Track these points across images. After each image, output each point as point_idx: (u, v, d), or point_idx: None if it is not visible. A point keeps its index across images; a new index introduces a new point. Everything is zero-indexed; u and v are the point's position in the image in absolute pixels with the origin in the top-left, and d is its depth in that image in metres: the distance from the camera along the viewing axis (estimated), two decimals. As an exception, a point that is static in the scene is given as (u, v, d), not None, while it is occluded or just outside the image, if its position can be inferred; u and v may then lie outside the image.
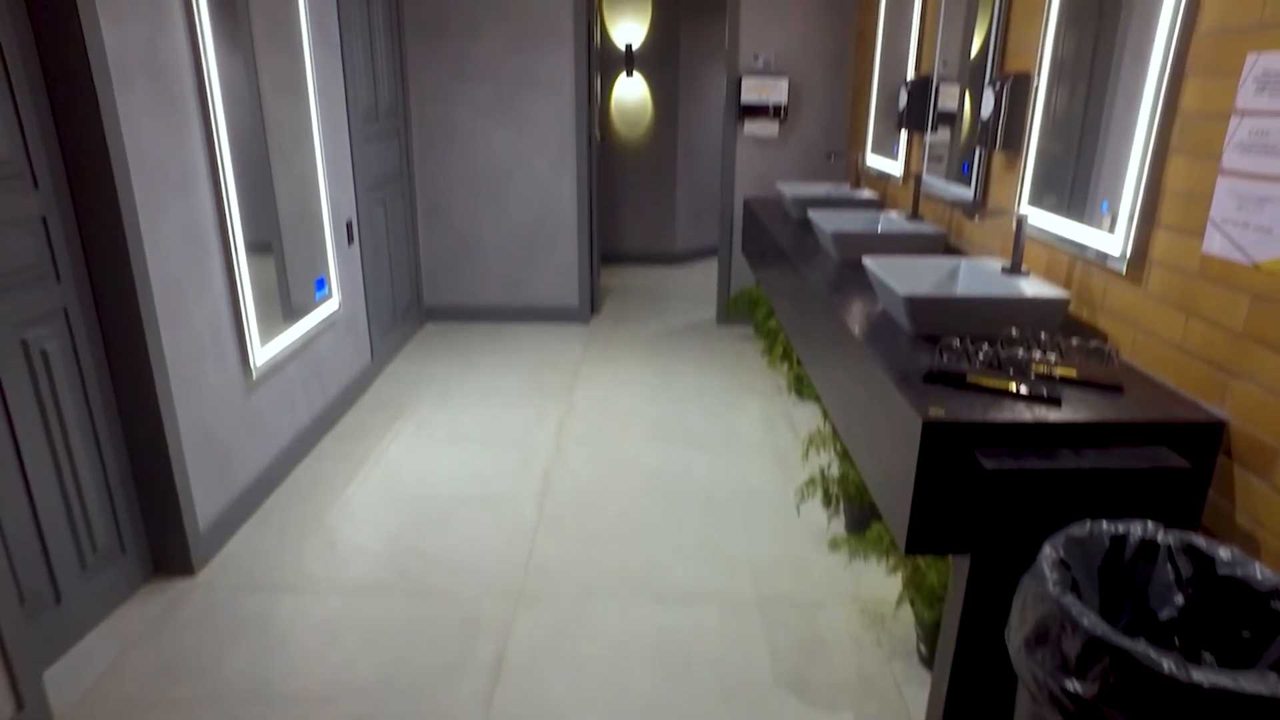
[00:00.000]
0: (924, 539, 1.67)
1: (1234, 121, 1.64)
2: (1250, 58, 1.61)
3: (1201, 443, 1.64)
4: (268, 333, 3.15)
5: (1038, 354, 1.90)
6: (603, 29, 6.54)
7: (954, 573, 1.75)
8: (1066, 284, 2.32)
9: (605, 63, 6.66)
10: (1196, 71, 1.78)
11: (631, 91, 6.91)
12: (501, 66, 5.05)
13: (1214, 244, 1.69)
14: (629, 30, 6.70)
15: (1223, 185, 1.67)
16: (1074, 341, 1.96)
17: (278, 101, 3.23)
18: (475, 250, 5.41)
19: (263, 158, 3.12)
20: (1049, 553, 1.34)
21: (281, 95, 3.27)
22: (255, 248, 3.05)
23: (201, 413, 2.72)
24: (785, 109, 5.03)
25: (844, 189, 4.47)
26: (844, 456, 2.88)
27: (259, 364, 3.06)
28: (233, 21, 2.88)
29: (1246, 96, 1.61)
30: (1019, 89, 2.57)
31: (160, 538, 2.61)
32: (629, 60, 6.77)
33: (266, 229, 3.17)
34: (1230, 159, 1.65)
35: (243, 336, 2.97)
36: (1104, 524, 1.42)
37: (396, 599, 2.56)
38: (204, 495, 2.73)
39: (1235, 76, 1.65)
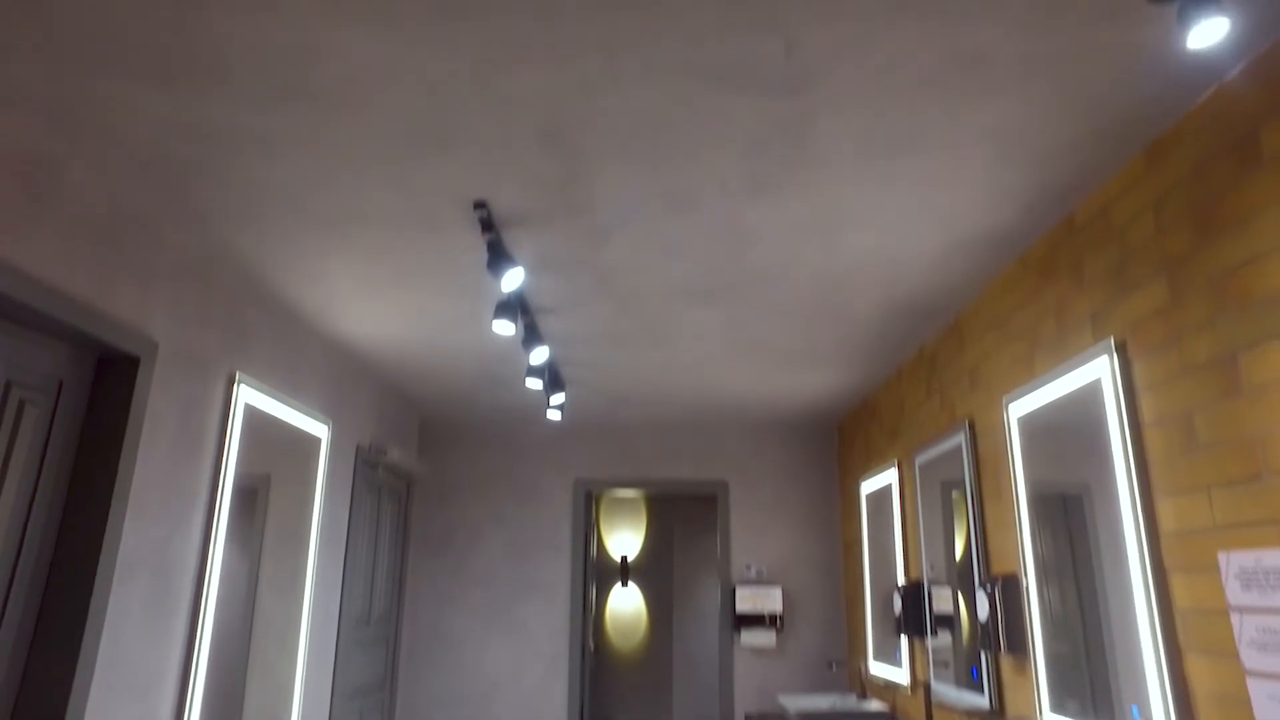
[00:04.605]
0: None
1: (1235, 619, 1.62)
2: (1221, 556, 1.66)
3: None
4: None
5: None
6: (599, 540, 6.88)
7: None
8: (1121, 809, 2.03)
9: (601, 573, 6.85)
10: (1178, 569, 1.82)
11: (626, 602, 6.96)
12: (499, 573, 5.17)
13: (1270, 754, 1.53)
14: (624, 541, 7.04)
15: (1255, 688, 1.57)
16: None
17: (271, 600, 3.23)
18: (450, 773, 4.85)
19: (241, 659, 2.99)
20: None
21: (277, 594, 3.28)
22: (204, 765, 2.73)
23: None
24: (781, 618, 5.01)
25: (850, 700, 4.20)
26: None
27: None
28: (249, 522, 3.03)
29: (1235, 593, 1.62)
30: (1010, 590, 2.59)
31: None
32: (624, 571, 6.97)
33: (223, 742, 2.88)
34: (1250, 658, 1.58)
35: None
36: None
37: None
38: None
39: (1216, 573, 1.68)
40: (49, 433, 2.19)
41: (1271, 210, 1.58)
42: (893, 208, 2.34)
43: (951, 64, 1.70)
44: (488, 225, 2.40)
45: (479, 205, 2.34)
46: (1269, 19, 1.56)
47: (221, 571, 2.82)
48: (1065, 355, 2.34)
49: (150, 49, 1.69)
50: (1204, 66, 1.70)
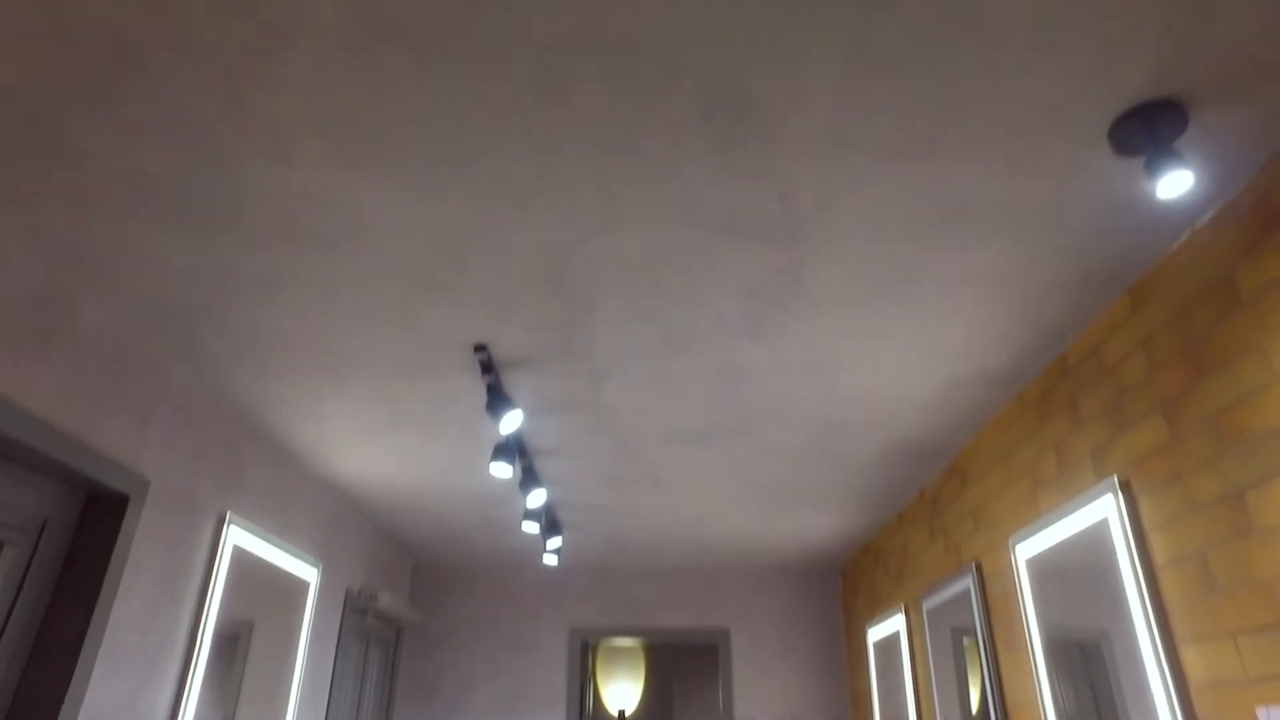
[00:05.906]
0: None
1: (1278, 780, 1.51)
2: (1261, 712, 1.57)
3: None
4: None
5: None
6: (596, 692, 6.51)
7: None
8: None
9: (597, 729, 6.44)
10: (1210, 725, 1.71)
11: (624, 760, 6.52)
12: (489, 730, 4.86)
13: None
14: (622, 692, 6.67)
15: None
16: None
17: (243, 765, 3.01)
18: None
19: (205, 832, 2.75)
20: None
21: (250, 758, 3.06)
22: None
23: None
24: (789, 779, 4.67)
25: None
26: None
27: None
28: (226, 670, 2.87)
29: (1276, 751, 1.52)
30: (1032, 749, 2.43)
31: None
32: (622, 726, 6.56)
33: None
34: (1296, 824, 1.46)
35: None
36: None
37: None
38: None
39: (1253, 729, 1.58)
40: (25, 575, 2.12)
41: (1255, 349, 1.60)
42: (886, 349, 2.38)
43: (936, 210, 1.78)
44: (487, 368, 2.42)
45: (479, 348, 2.38)
46: (1232, 171, 1.64)
47: (193, 729, 2.64)
48: (1069, 494, 2.30)
49: (172, 196, 1.76)
50: (1177, 213, 1.78)
